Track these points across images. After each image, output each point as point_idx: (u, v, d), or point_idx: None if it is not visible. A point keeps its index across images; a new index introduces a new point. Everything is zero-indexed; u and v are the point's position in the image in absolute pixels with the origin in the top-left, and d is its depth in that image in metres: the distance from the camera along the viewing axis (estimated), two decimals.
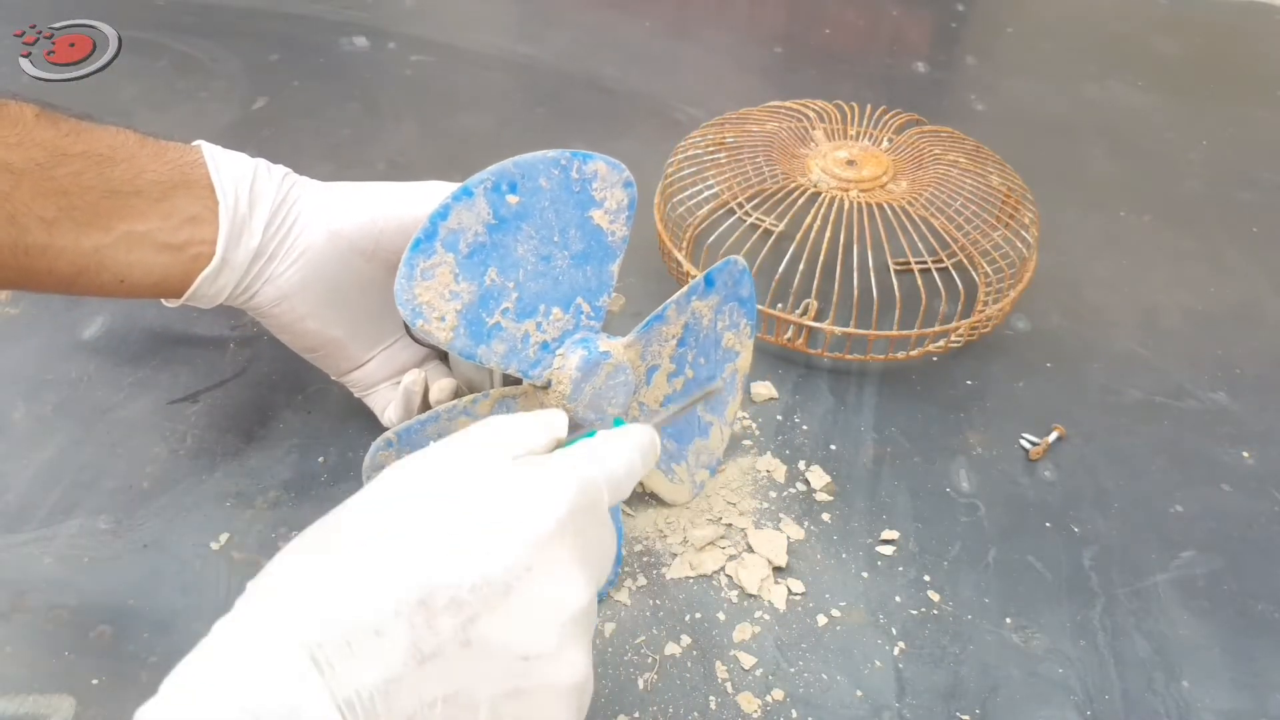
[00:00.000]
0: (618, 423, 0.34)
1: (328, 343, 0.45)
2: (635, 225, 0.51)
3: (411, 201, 0.43)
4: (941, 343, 0.55)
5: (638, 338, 0.42)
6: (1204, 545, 0.48)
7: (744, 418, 0.52)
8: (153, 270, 0.40)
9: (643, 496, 0.47)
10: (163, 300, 0.43)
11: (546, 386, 0.40)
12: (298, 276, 0.42)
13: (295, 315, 0.43)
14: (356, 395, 0.48)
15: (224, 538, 0.45)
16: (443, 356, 0.49)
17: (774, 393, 0.53)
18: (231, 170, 0.41)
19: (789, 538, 0.46)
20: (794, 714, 0.40)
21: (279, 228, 0.41)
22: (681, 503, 0.47)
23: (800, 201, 0.55)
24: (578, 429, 0.36)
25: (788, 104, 0.65)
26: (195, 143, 0.42)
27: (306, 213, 0.42)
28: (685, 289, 0.43)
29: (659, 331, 0.43)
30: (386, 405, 0.47)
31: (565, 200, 0.39)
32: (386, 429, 0.45)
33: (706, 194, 0.60)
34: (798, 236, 0.53)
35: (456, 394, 0.44)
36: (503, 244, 0.38)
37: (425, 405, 0.45)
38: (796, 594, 0.44)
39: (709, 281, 0.44)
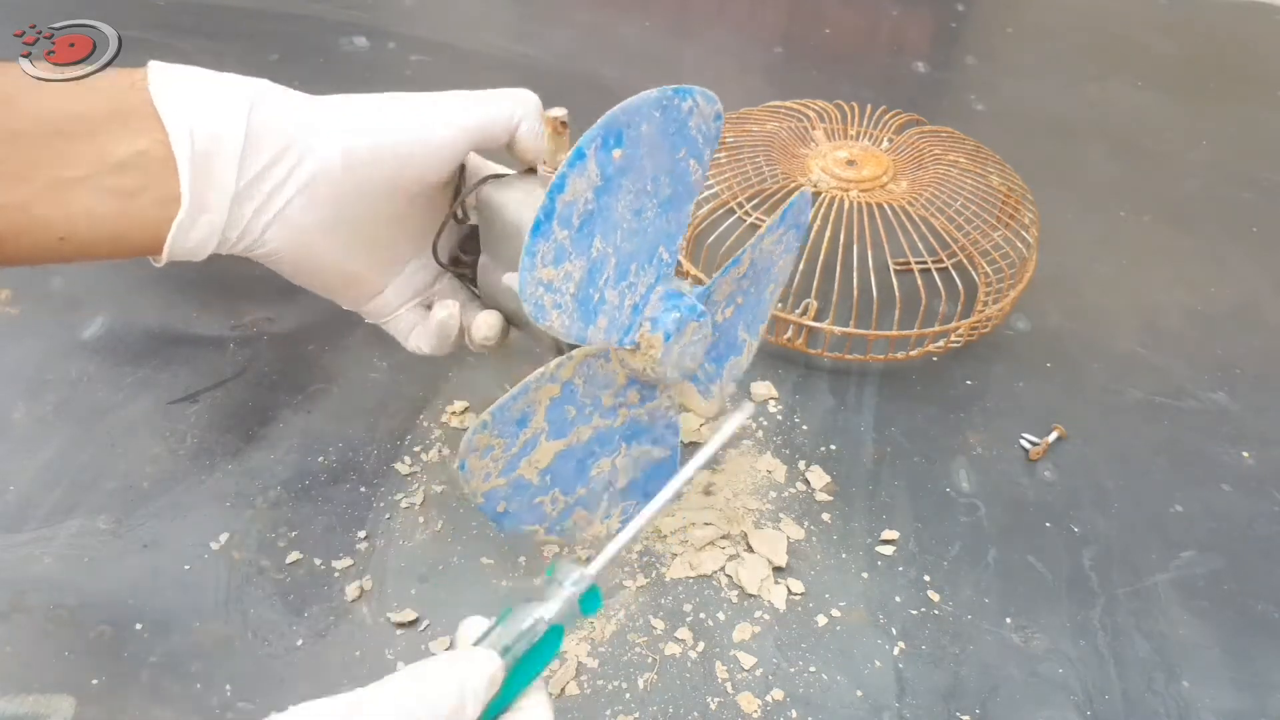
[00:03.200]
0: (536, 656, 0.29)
1: (346, 277, 0.41)
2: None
3: (435, 121, 0.37)
4: (941, 343, 0.55)
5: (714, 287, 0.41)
6: (1204, 545, 0.48)
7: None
8: (101, 224, 0.34)
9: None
10: (150, 259, 0.37)
11: (635, 349, 0.39)
12: (313, 213, 0.36)
13: (314, 254, 0.38)
14: (371, 322, 0.45)
15: (224, 538, 0.45)
16: (465, 275, 0.46)
17: (774, 393, 0.53)
18: (184, 90, 0.33)
19: (789, 538, 0.46)
20: (794, 714, 0.40)
21: (276, 157, 0.35)
22: (709, 415, 0.46)
23: None
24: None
25: (788, 104, 0.65)
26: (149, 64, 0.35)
27: (307, 135, 0.36)
28: (760, 232, 0.42)
29: (731, 275, 0.42)
30: (410, 331, 0.44)
31: (660, 145, 0.37)
32: (416, 353, 0.43)
33: (706, 194, 0.60)
34: None
35: (502, 329, 0.43)
36: (606, 207, 0.36)
37: (460, 338, 0.43)
38: (796, 594, 0.44)
39: (782, 218, 0.43)
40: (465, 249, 0.46)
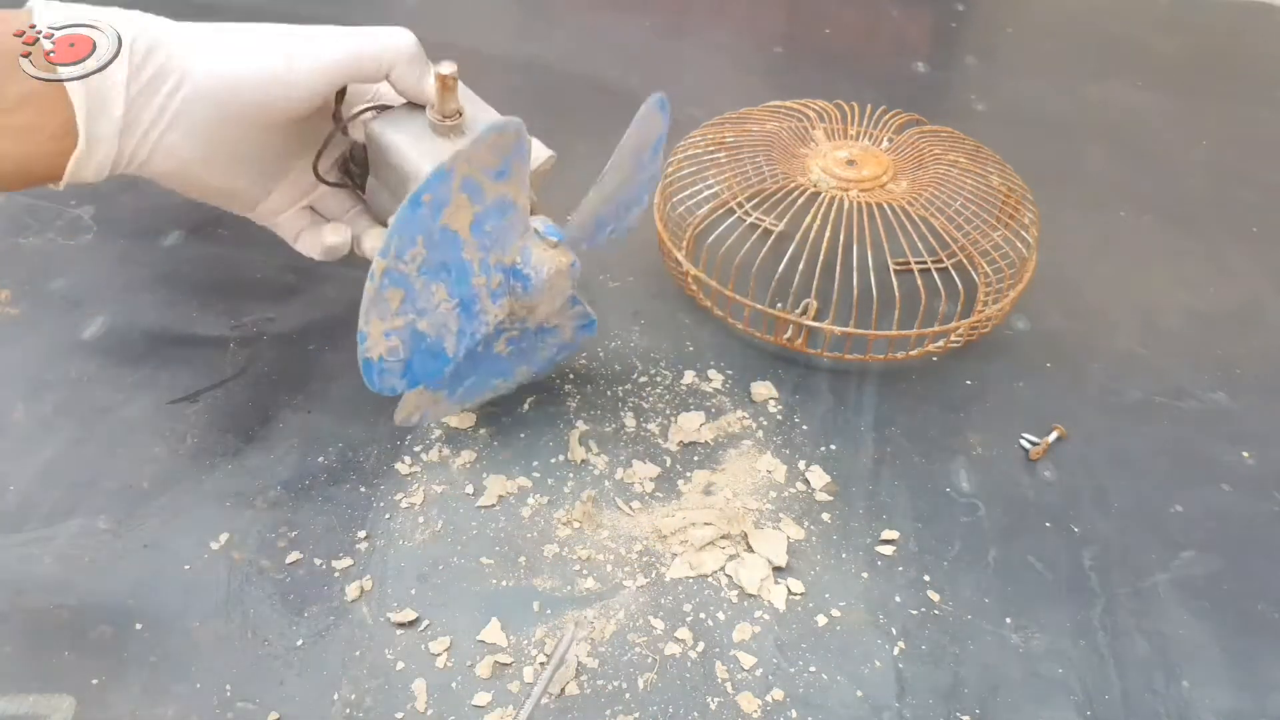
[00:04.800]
0: None
1: (229, 194, 0.43)
2: (635, 225, 0.50)
3: (301, 57, 0.39)
4: (941, 343, 0.55)
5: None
6: (1204, 545, 0.48)
7: (744, 418, 0.52)
8: (4, 161, 0.36)
9: (633, 508, 0.48)
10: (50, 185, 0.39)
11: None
12: (191, 142, 0.39)
13: (197, 177, 0.41)
14: (259, 224, 0.47)
15: (224, 538, 0.45)
16: (353, 183, 0.48)
17: (774, 393, 0.53)
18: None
19: (789, 538, 0.46)
20: (794, 714, 0.40)
21: (155, 85, 0.37)
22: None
23: (800, 201, 0.55)
24: None
25: (788, 104, 0.65)
26: (28, 5, 0.38)
27: (183, 61, 0.38)
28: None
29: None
30: (297, 234, 0.46)
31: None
32: (305, 254, 0.46)
33: (706, 194, 0.60)
34: (797, 236, 0.53)
35: None
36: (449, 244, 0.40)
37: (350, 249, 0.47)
38: (796, 594, 0.44)
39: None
40: (355, 160, 0.47)
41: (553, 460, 0.49)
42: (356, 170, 0.48)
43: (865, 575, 0.45)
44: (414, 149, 0.43)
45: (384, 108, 0.45)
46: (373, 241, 0.44)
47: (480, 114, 0.46)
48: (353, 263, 0.48)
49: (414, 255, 0.38)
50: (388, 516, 0.46)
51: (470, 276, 0.41)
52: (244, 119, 0.39)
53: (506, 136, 0.38)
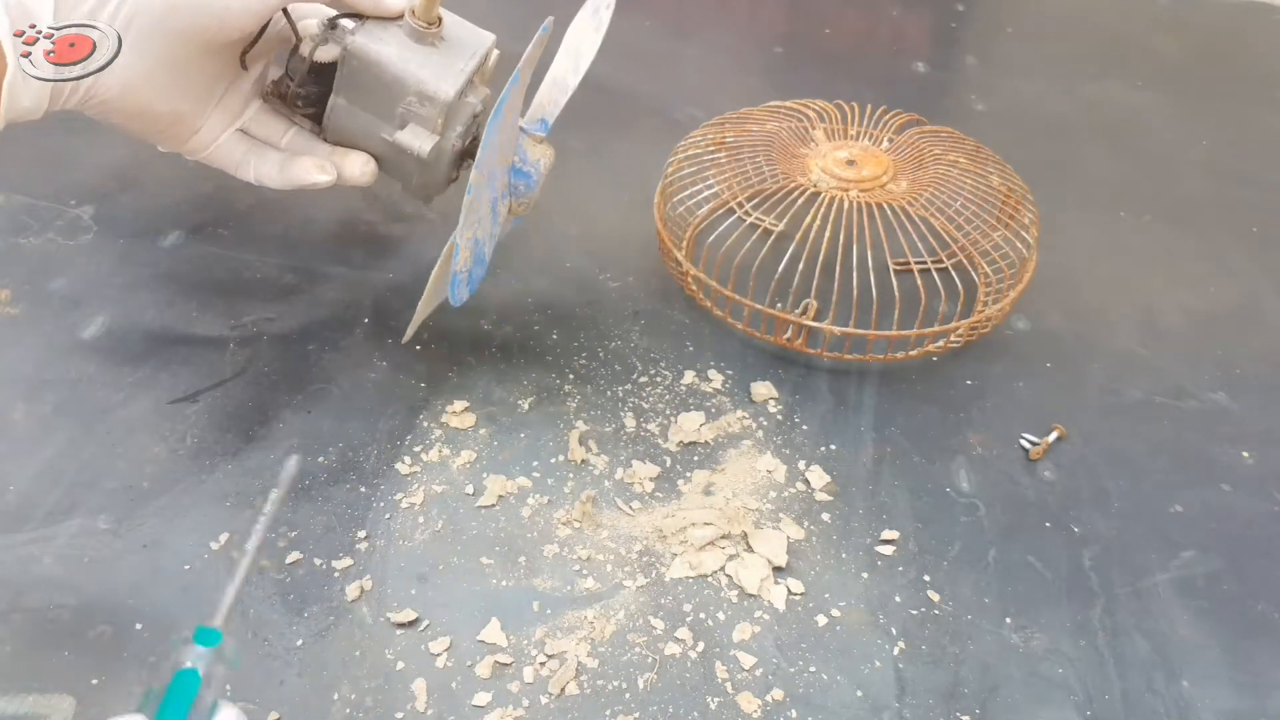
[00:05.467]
0: None
1: (170, 120, 0.43)
2: (635, 224, 0.51)
3: None
4: (941, 343, 0.55)
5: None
6: (1204, 545, 0.48)
7: (744, 418, 0.52)
8: None
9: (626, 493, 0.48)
10: None
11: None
12: (138, 60, 0.38)
13: (142, 101, 0.40)
14: (193, 160, 0.46)
15: (224, 538, 0.45)
16: (289, 102, 0.48)
17: (774, 393, 0.53)
18: None
19: (789, 538, 0.46)
20: (794, 714, 0.40)
21: (98, 3, 0.37)
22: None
23: (800, 201, 0.55)
24: None
25: (788, 104, 0.65)
26: None
27: None
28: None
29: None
30: (240, 161, 0.45)
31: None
32: (256, 184, 0.47)
33: (706, 194, 0.60)
34: (797, 236, 0.53)
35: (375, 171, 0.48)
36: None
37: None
38: (796, 594, 0.44)
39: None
40: (297, 79, 0.47)
41: (553, 460, 0.49)
42: (301, 92, 0.47)
43: (865, 575, 0.45)
44: (407, 60, 0.45)
45: (333, 24, 0.45)
46: (354, 166, 0.45)
47: (451, 20, 0.47)
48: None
49: (488, 164, 0.42)
50: (388, 516, 0.46)
51: (496, 180, 0.45)
52: (197, 34, 0.39)
53: (544, 36, 0.45)
